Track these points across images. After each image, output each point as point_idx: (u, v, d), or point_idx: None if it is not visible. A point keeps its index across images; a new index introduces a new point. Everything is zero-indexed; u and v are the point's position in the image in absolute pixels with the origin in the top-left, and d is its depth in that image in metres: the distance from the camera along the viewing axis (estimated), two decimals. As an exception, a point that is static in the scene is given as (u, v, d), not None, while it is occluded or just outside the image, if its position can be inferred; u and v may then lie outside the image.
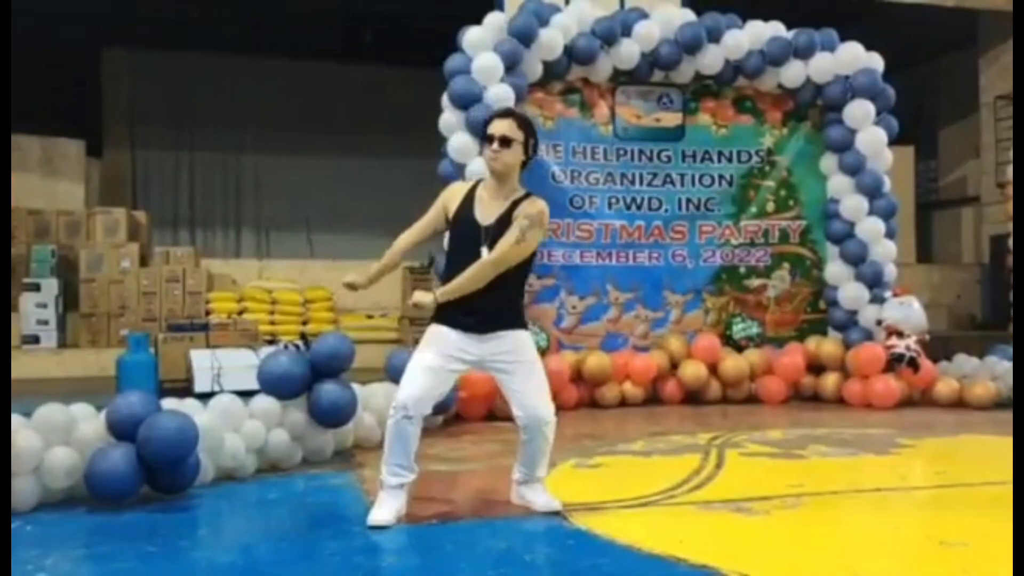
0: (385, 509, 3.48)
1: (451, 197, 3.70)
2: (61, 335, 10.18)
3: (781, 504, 3.78)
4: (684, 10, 7.60)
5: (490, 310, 3.54)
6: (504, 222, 3.53)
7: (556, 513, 3.63)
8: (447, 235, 3.73)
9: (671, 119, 7.60)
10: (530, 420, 3.60)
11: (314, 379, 4.64)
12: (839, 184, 7.58)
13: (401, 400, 3.46)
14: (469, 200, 3.63)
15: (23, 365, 8.94)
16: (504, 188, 3.60)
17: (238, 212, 15.20)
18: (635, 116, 7.53)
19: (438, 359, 3.52)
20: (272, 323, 10.39)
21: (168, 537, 3.33)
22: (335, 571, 2.92)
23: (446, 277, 3.63)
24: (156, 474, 3.79)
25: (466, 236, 3.58)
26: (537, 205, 3.56)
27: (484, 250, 3.51)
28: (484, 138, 3.60)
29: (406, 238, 3.75)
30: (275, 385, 4.56)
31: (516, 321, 3.66)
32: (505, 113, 3.75)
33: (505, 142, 3.54)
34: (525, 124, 3.64)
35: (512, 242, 3.49)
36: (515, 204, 3.56)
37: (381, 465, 3.54)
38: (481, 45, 6.76)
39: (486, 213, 3.58)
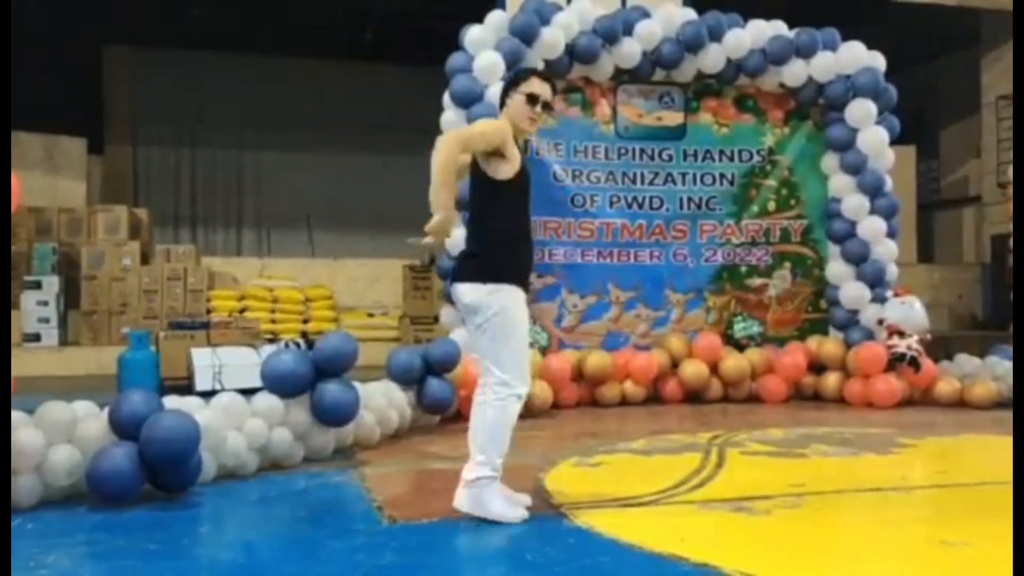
0: (512, 501, 3.45)
1: (510, 139, 3.37)
2: (62, 333, 10.20)
3: (782, 503, 3.78)
4: (686, 9, 7.60)
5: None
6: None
7: (557, 511, 3.63)
8: (512, 185, 3.38)
9: (672, 118, 7.60)
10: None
11: (317, 378, 4.64)
12: (840, 183, 7.58)
13: (527, 387, 3.39)
14: (521, 152, 3.45)
15: (24, 363, 8.94)
16: (520, 141, 3.52)
17: (239, 210, 15.22)
18: (636, 115, 7.53)
19: (527, 335, 3.41)
20: (273, 321, 10.41)
21: (170, 535, 3.33)
22: (336, 569, 2.92)
23: (509, 227, 3.39)
24: (158, 472, 3.79)
25: (526, 185, 3.45)
26: None
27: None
28: (526, 95, 3.41)
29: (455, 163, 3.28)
30: (278, 383, 4.57)
31: None
32: (548, 77, 3.58)
33: (548, 107, 3.48)
34: (556, 90, 3.59)
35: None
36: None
37: (484, 460, 3.38)
38: (482, 44, 6.76)
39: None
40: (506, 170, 3.39)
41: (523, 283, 3.45)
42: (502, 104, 3.54)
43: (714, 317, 7.62)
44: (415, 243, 3.37)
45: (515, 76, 3.58)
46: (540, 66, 6.97)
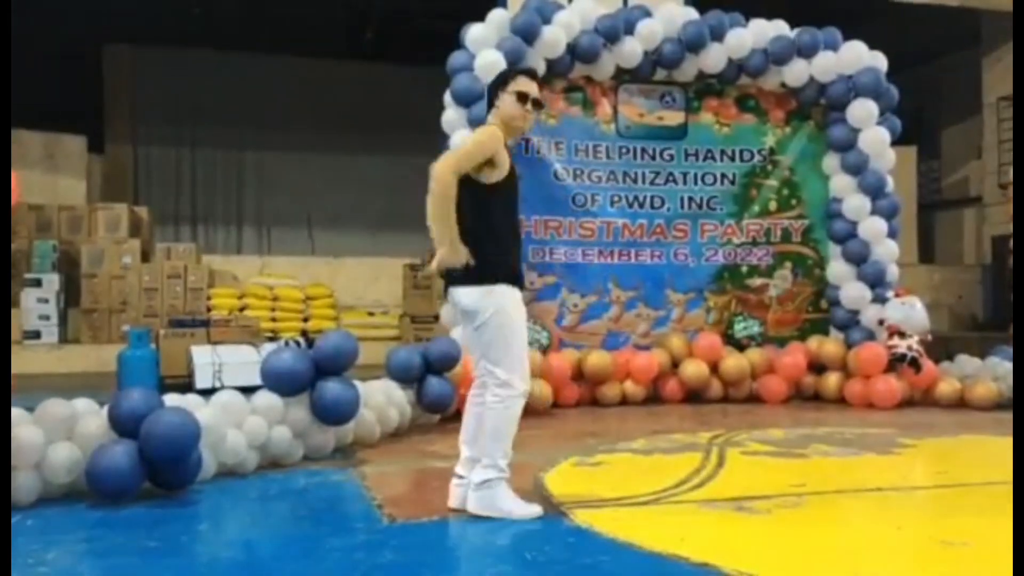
0: (520, 499, 3.45)
1: (500, 146, 3.41)
2: (62, 330, 10.20)
3: (782, 503, 3.78)
4: (687, 8, 7.59)
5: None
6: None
7: (557, 510, 3.63)
8: (500, 189, 3.43)
9: (674, 117, 7.60)
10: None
11: (316, 376, 4.64)
12: (841, 184, 7.58)
13: (527, 387, 3.43)
14: (509, 153, 3.49)
15: (24, 360, 8.94)
16: (511, 140, 3.55)
17: (239, 209, 15.22)
18: (638, 114, 7.53)
19: (526, 332, 3.46)
20: (273, 320, 10.41)
21: (169, 532, 3.33)
22: (336, 567, 2.92)
23: (500, 229, 3.43)
24: (158, 470, 3.79)
25: (515, 190, 3.51)
26: None
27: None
28: (516, 93, 3.45)
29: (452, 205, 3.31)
30: (278, 381, 4.56)
31: None
32: (535, 74, 3.63)
33: (538, 105, 3.53)
34: (541, 85, 3.68)
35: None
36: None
37: (494, 461, 3.41)
38: (484, 42, 6.75)
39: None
40: (496, 174, 3.42)
41: (518, 282, 3.47)
42: (490, 105, 3.56)
43: (715, 317, 7.61)
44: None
45: (503, 76, 3.61)
46: (542, 66, 6.97)
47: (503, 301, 3.39)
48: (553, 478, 4.23)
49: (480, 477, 3.43)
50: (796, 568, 2.95)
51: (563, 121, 7.33)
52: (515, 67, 3.91)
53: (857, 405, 6.96)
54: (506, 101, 3.48)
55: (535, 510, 3.44)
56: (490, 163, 3.39)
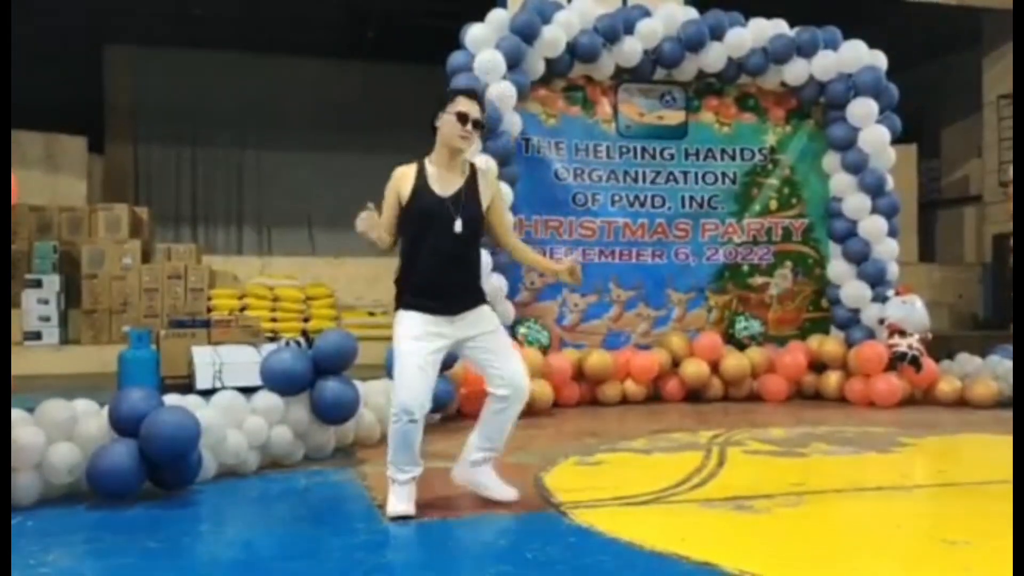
0: (405, 502, 3.50)
1: (401, 182, 3.62)
2: (63, 331, 10.20)
3: (783, 502, 3.78)
4: (687, 8, 7.60)
5: (457, 291, 3.59)
6: (470, 192, 3.59)
7: (558, 510, 3.63)
8: (404, 218, 3.62)
9: (674, 117, 7.59)
10: (513, 389, 3.60)
11: (317, 376, 4.64)
12: (842, 182, 7.57)
13: (404, 405, 3.44)
14: (422, 179, 3.59)
15: (25, 361, 8.94)
16: (456, 161, 3.63)
17: (240, 209, 15.20)
18: (638, 114, 7.52)
19: (422, 352, 3.47)
20: (274, 320, 10.40)
21: (170, 533, 3.33)
22: (336, 567, 2.92)
23: (410, 256, 3.59)
24: (158, 470, 3.79)
25: (432, 212, 3.55)
26: (492, 175, 3.76)
27: (458, 222, 3.52)
28: (456, 114, 3.55)
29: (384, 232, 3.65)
30: (278, 381, 4.56)
31: (481, 297, 3.71)
32: (473, 93, 3.71)
33: (478, 125, 3.60)
34: (484, 107, 3.71)
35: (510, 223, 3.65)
36: (472, 174, 3.65)
37: (388, 463, 3.55)
38: (483, 42, 6.75)
39: (444, 186, 3.59)
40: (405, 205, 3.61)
41: (417, 306, 3.54)
42: (434, 128, 3.64)
43: (715, 316, 7.61)
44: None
45: (442, 98, 3.68)
46: (541, 65, 6.98)
47: (399, 328, 3.56)
48: (553, 477, 4.23)
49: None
50: (796, 567, 2.95)
51: (563, 121, 7.33)
52: (456, 88, 3.96)
53: (858, 404, 6.95)
54: (445, 120, 3.58)
55: (401, 509, 3.47)
56: (400, 201, 3.60)
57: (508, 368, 3.60)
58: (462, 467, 3.77)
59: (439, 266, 3.54)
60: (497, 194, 3.76)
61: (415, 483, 3.57)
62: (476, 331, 3.59)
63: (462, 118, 3.54)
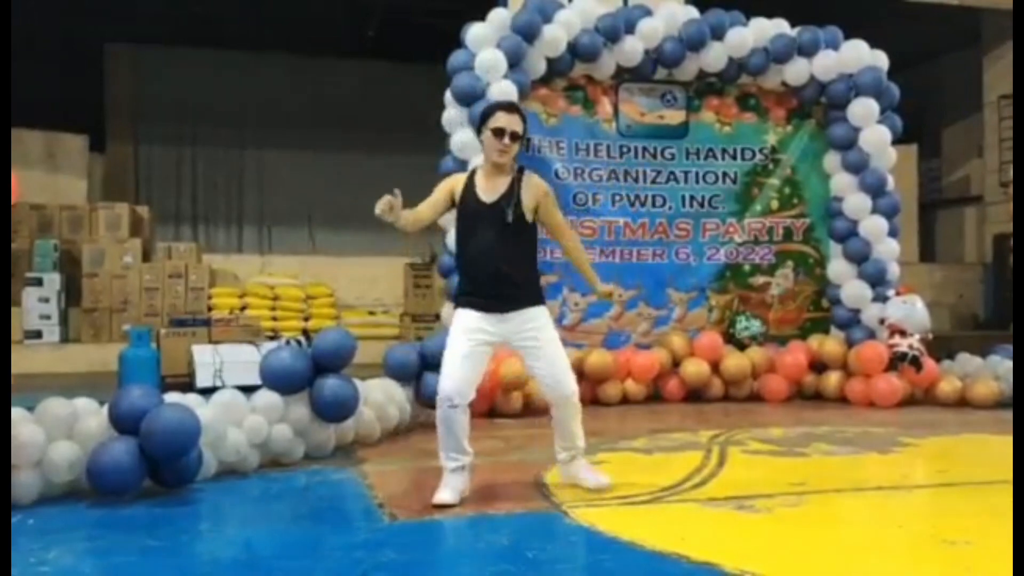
0: (448, 490, 3.68)
1: (455, 186, 3.88)
2: (63, 330, 10.19)
3: (783, 502, 3.78)
4: (688, 7, 7.60)
5: (508, 289, 3.76)
6: (510, 195, 3.77)
7: (558, 509, 3.63)
8: (456, 224, 3.90)
9: (675, 116, 7.59)
10: (557, 396, 3.84)
11: (316, 374, 4.64)
12: (842, 182, 7.57)
13: (446, 392, 3.67)
14: (470, 187, 3.84)
15: (25, 360, 8.94)
16: (502, 170, 3.83)
17: (240, 208, 15.19)
18: (638, 113, 7.52)
19: (468, 344, 3.70)
20: (274, 319, 10.41)
21: (170, 531, 3.33)
22: (336, 566, 2.92)
23: (461, 257, 3.88)
24: (158, 468, 3.80)
25: (476, 214, 3.77)
26: (540, 182, 3.89)
27: (502, 219, 3.73)
28: (492, 130, 3.75)
29: (422, 209, 3.87)
30: (277, 380, 4.56)
31: (536, 297, 3.87)
32: (512, 107, 3.91)
33: (516, 138, 3.77)
34: (524, 118, 3.88)
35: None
36: (516, 181, 3.81)
37: (439, 451, 3.77)
38: (484, 41, 6.75)
39: (489, 193, 3.80)
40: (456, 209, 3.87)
41: (470, 304, 3.78)
42: (480, 139, 3.91)
43: (716, 316, 7.61)
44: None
45: (483, 114, 3.89)
46: (542, 64, 6.98)
47: (453, 322, 3.83)
48: (554, 477, 4.23)
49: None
50: (797, 567, 2.95)
51: (564, 120, 7.32)
52: (494, 103, 4.20)
53: (858, 404, 6.95)
54: (485, 137, 3.80)
55: (447, 498, 3.64)
56: (452, 203, 3.85)
57: (552, 376, 3.80)
58: (559, 465, 4.05)
59: (484, 266, 3.76)
60: (546, 196, 3.88)
61: (465, 473, 3.77)
62: (522, 334, 3.78)
63: (499, 133, 3.74)
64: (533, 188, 3.83)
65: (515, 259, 3.79)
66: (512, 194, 3.77)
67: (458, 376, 3.66)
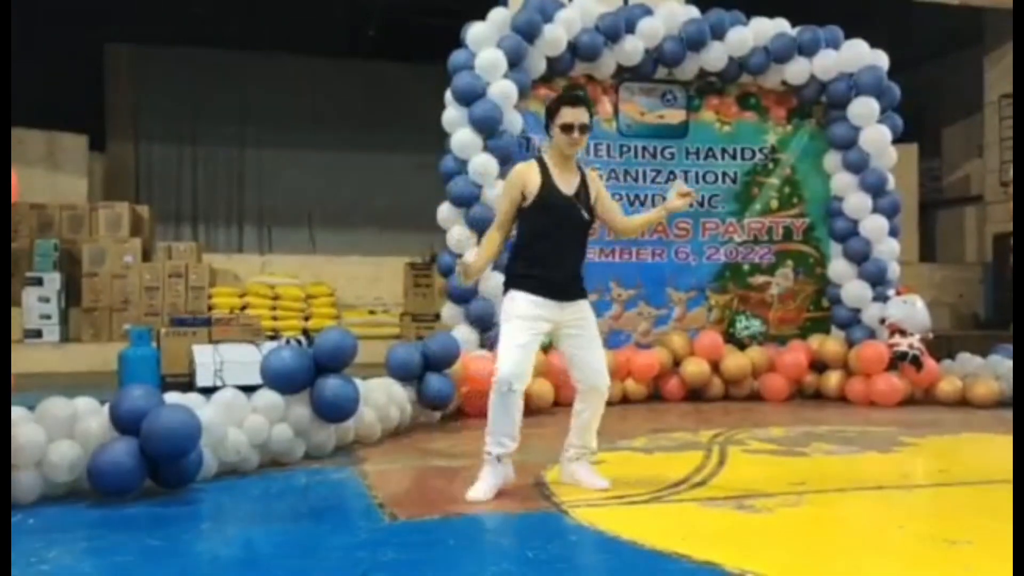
0: (485, 485, 3.73)
1: (527, 179, 3.86)
2: (63, 329, 10.20)
3: (783, 501, 3.78)
4: (688, 7, 7.60)
5: (570, 278, 3.88)
6: (583, 192, 3.90)
7: (559, 509, 3.63)
8: (531, 211, 3.86)
9: (675, 116, 7.59)
10: (592, 385, 3.91)
11: (317, 374, 4.64)
12: (843, 182, 7.57)
13: (504, 376, 3.70)
14: (548, 177, 3.86)
15: (25, 359, 8.94)
16: (571, 163, 3.93)
17: (241, 207, 15.18)
18: (639, 113, 7.53)
19: (528, 332, 3.76)
20: (274, 318, 10.41)
21: (171, 531, 3.33)
22: (337, 566, 2.92)
23: (532, 243, 3.86)
24: (159, 468, 3.79)
25: (560, 206, 3.83)
26: (595, 173, 4.13)
27: (584, 214, 3.87)
28: (560, 127, 3.81)
29: (499, 240, 3.96)
30: (278, 380, 4.56)
31: (584, 290, 3.98)
32: (576, 100, 3.94)
33: (584, 130, 3.85)
34: (590, 106, 4.04)
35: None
36: (582, 175, 3.95)
37: (485, 438, 3.78)
38: (485, 41, 6.75)
39: (567, 186, 3.88)
40: (528, 202, 3.89)
41: (540, 290, 3.81)
42: (548, 131, 3.98)
43: (716, 315, 7.61)
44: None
45: (550, 109, 3.94)
46: (542, 64, 6.98)
47: (509, 306, 3.84)
48: (554, 477, 4.22)
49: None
50: (797, 566, 2.95)
51: (564, 119, 7.31)
52: (559, 97, 4.21)
53: (858, 403, 6.95)
54: (555, 133, 3.87)
55: (480, 494, 3.69)
56: (523, 196, 3.86)
57: (591, 366, 3.90)
58: (562, 463, 4.07)
59: (561, 254, 3.85)
60: (601, 187, 4.07)
61: (509, 463, 3.82)
62: (576, 321, 3.86)
63: (567, 128, 3.81)
64: (595, 183, 4.00)
65: (582, 253, 3.99)
66: (586, 191, 3.90)
67: (518, 361, 3.72)
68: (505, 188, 3.97)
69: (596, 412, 3.98)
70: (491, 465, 3.77)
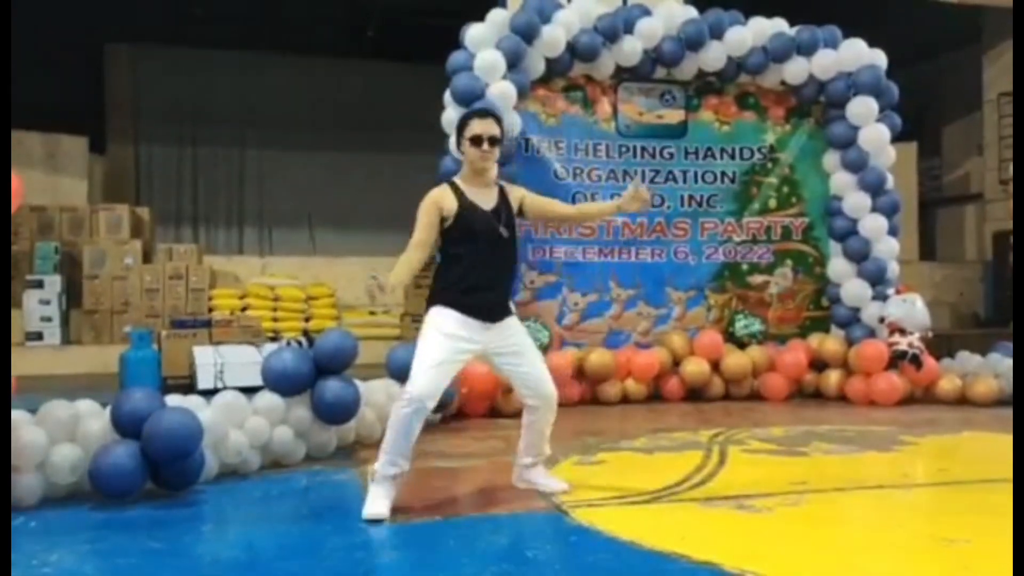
0: (381, 502, 3.53)
1: (443, 203, 3.73)
2: (64, 332, 10.20)
3: (783, 501, 3.79)
4: (687, 7, 7.59)
5: (497, 298, 3.76)
6: (503, 208, 3.78)
7: (558, 509, 3.64)
8: (450, 233, 3.74)
9: (674, 116, 7.60)
10: (542, 399, 3.82)
11: (317, 376, 4.65)
12: (842, 181, 7.57)
13: (417, 394, 3.53)
14: (463, 197, 3.75)
15: (26, 362, 8.94)
16: (486, 179, 3.81)
17: (241, 208, 15.19)
18: (637, 113, 7.53)
19: (448, 351, 3.61)
20: (275, 320, 10.41)
21: (172, 533, 3.34)
22: (337, 566, 2.93)
23: (456, 263, 3.71)
24: (160, 470, 3.80)
25: (480, 224, 3.71)
26: (516, 187, 3.99)
27: (503, 230, 3.73)
28: (469, 139, 3.72)
29: (416, 259, 3.73)
30: (279, 382, 4.57)
31: (511, 309, 3.88)
32: (484, 113, 3.89)
33: (494, 142, 3.74)
34: (500, 120, 3.85)
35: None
36: (502, 191, 3.83)
37: (380, 455, 3.60)
38: (484, 42, 6.75)
39: (484, 202, 3.77)
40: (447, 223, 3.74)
41: (457, 306, 3.67)
42: (460, 151, 3.87)
43: (715, 315, 7.62)
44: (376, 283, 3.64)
45: (459, 123, 3.84)
46: (541, 64, 6.98)
47: (432, 320, 3.68)
48: (554, 476, 4.23)
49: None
50: (797, 566, 2.96)
51: (563, 120, 7.33)
52: (469, 111, 4.15)
53: (858, 402, 6.96)
54: (464, 147, 3.78)
55: (383, 509, 3.49)
56: (442, 217, 3.72)
57: (535, 378, 3.80)
58: (517, 471, 4.01)
59: (484, 272, 3.70)
60: (525, 193, 3.96)
61: (399, 483, 3.62)
62: (505, 340, 3.75)
63: (476, 141, 3.71)
64: (514, 193, 3.89)
65: (506, 272, 3.84)
66: (506, 207, 3.79)
67: (433, 379, 3.56)
68: (421, 211, 3.75)
69: (548, 419, 3.90)
70: (380, 484, 3.56)
